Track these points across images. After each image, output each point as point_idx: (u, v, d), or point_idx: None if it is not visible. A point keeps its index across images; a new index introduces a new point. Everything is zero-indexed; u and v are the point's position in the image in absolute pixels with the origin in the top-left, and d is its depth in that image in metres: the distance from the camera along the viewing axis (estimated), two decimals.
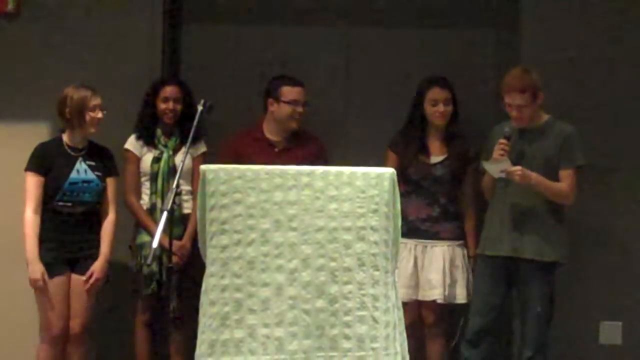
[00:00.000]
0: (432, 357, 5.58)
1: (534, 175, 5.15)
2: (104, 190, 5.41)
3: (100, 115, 5.34)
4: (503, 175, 5.17)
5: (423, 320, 5.54)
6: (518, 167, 5.14)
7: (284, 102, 5.63)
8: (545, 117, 5.30)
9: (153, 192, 5.58)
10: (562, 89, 5.88)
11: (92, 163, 5.39)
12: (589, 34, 5.95)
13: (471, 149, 5.62)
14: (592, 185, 5.87)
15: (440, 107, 5.55)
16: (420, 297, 5.50)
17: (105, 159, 5.47)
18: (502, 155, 5.13)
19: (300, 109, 5.63)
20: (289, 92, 5.63)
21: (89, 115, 5.31)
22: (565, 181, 5.21)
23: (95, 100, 5.33)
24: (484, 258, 5.35)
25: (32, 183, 5.31)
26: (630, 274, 5.93)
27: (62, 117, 5.36)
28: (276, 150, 5.65)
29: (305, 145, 5.66)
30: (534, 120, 5.27)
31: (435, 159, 5.59)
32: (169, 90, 5.62)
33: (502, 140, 5.16)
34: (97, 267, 5.35)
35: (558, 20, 5.96)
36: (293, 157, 5.50)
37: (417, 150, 5.56)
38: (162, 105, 5.61)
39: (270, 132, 5.69)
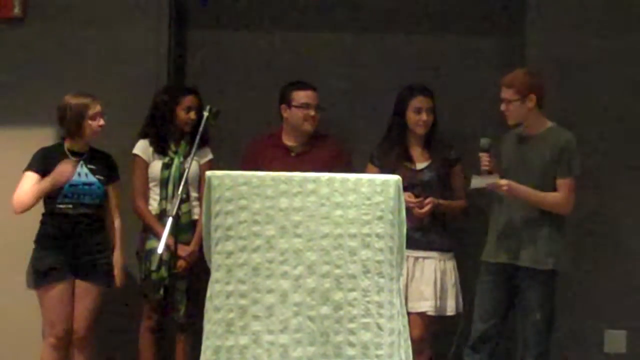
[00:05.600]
0: None
1: (523, 189, 5.16)
2: (105, 194, 5.40)
3: (101, 122, 5.33)
4: (490, 187, 5.19)
5: (410, 332, 5.47)
6: (505, 181, 5.15)
7: (295, 106, 5.63)
8: (549, 124, 5.29)
9: (163, 198, 5.58)
10: (566, 95, 5.89)
11: (93, 167, 5.39)
12: (593, 41, 5.95)
13: (452, 152, 5.61)
14: (597, 192, 5.88)
15: (424, 116, 5.54)
16: (409, 309, 5.44)
17: (107, 164, 5.47)
18: (487, 168, 5.17)
19: (312, 113, 5.63)
20: (299, 96, 5.63)
21: (89, 124, 5.30)
22: (561, 191, 5.19)
23: (95, 108, 5.31)
24: (485, 265, 5.35)
25: (29, 180, 5.29)
26: (635, 282, 5.92)
27: (62, 125, 5.36)
28: (293, 155, 5.65)
29: (323, 148, 5.66)
30: (535, 126, 5.26)
31: (421, 165, 5.58)
32: (191, 100, 5.62)
33: (482, 154, 5.19)
34: (119, 275, 5.43)
35: (563, 27, 5.97)
36: (310, 161, 5.51)
37: (400, 158, 5.56)
38: (183, 115, 5.60)
39: (287, 137, 5.70)
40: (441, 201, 5.48)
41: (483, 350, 5.33)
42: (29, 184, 5.30)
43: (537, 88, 5.21)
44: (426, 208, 5.42)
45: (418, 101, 5.54)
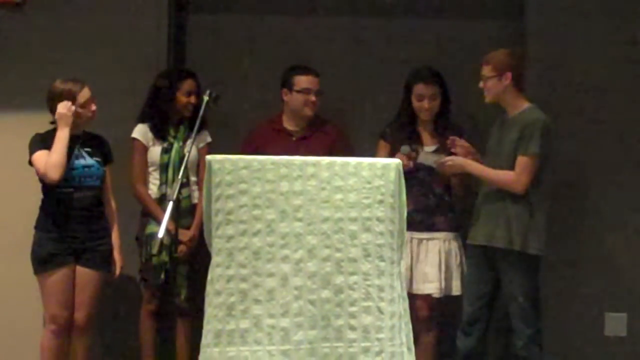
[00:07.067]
0: (424, 350, 5.51)
1: (473, 166, 5.26)
2: (104, 175, 5.40)
3: (93, 108, 5.31)
4: (437, 164, 5.36)
5: (416, 313, 5.47)
6: (448, 158, 5.30)
7: (297, 91, 5.64)
8: (526, 105, 5.31)
9: (163, 183, 5.59)
10: (567, 81, 5.89)
11: (89, 149, 5.37)
12: (594, 26, 5.94)
13: (463, 136, 5.59)
14: (595, 179, 5.88)
15: (426, 104, 5.55)
16: (415, 291, 5.47)
17: (101, 146, 5.44)
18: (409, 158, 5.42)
19: (313, 98, 5.63)
20: (301, 80, 5.64)
21: (80, 112, 5.28)
22: (516, 169, 5.18)
23: (85, 95, 5.28)
24: (469, 247, 5.39)
25: (44, 155, 5.20)
26: (634, 266, 5.93)
27: (52, 112, 5.32)
28: (293, 139, 5.66)
29: (323, 133, 5.67)
30: (513, 108, 5.29)
31: (429, 148, 5.58)
32: (190, 84, 5.63)
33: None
34: (119, 259, 5.41)
35: (563, 12, 5.96)
36: (310, 145, 5.52)
37: (410, 140, 5.57)
38: (184, 99, 5.61)
39: (287, 122, 5.71)
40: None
41: (473, 332, 5.34)
42: (47, 156, 5.22)
43: (515, 67, 5.25)
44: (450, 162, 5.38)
45: (419, 88, 5.56)
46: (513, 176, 5.16)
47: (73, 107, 5.22)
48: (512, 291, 5.19)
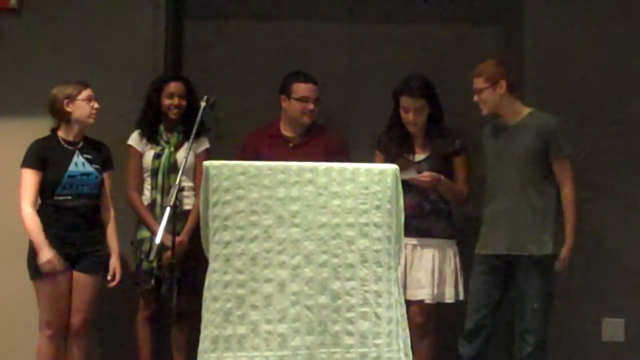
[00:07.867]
0: (419, 357, 5.47)
1: (567, 251, 5.23)
2: (102, 183, 5.40)
3: (96, 105, 5.32)
4: (412, 181, 5.32)
5: (411, 320, 5.47)
6: (427, 173, 5.32)
7: (295, 98, 5.63)
8: (527, 110, 5.33)
9: (153, 188, 5.59)
10: (565, 86, 5.89)
11: (89, 156, 5.38)
12: (592, 30, 5.95)
13: (456, 141, 5.58)
14: (594, 183, 5.88)
15: (410, 116, 5.51)
16: (407, 297, 5.45)
17: (101, 153, 5.45)
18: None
19: (311, 106, 5.62)
20: (299, 88, 5.62)
21: (82, 105, 5.29)
22: (562, 178, 5.22)
23: (87, 92, 5.32)
24: (478, 257, 5.37)
25: (30, 178, 5.27)
26: (632, 271, 5.93)
27: (55, 116, 5.35)
28: (291, 145, 5.65)
29: (321, 139, 5.65)
30: (511, 114, 5.31)
31: (419, 156, 5.58)
32: (174, 87, 5.62)
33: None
34: (116, 264, 5.41)
35: (561, 16, 5.96)
36: (308, 152, 5.49)
37: (400, 148, 5.56)
38: (167, 102, 5.61)
39: (285, 128, 5.70)
40: (443, 178, 5.45)
41: (477, 340, 5.35)
42: (31, 185, 5.26)
43: (506, 74, 5.28)
44: (427, 177, 5.39)
45: (405, 101, 5.52)
46: (569, 188, 5.23)
47: (56, 261, 5.24)
48: (530, 296, 5.22)
